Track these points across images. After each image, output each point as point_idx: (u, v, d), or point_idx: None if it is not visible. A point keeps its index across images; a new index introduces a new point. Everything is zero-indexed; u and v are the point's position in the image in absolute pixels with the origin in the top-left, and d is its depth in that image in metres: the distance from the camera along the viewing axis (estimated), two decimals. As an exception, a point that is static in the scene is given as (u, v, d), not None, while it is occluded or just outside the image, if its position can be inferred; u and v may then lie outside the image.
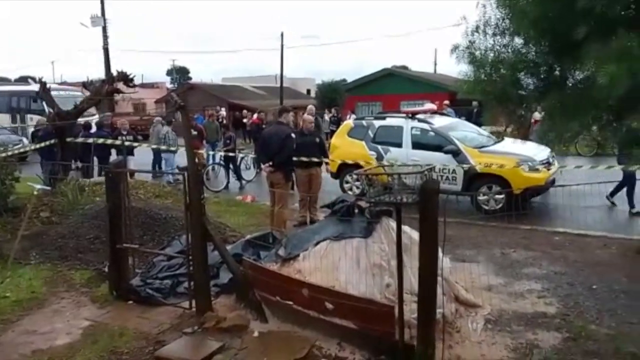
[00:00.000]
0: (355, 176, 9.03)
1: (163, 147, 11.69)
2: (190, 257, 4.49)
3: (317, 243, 4.35)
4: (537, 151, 8.73)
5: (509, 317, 4.37)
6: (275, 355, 3.77)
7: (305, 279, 4.11)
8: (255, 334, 4.13)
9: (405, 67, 31.39)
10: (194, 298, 4.51)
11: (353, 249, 4.12)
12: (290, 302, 4.04)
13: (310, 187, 7.53)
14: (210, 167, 12.84)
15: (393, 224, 3.89)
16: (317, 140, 7.91)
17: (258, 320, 4.28)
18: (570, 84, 4.18)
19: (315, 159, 7.60)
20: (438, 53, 45.29)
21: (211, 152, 13.07)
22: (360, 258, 4.08)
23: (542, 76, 4.30)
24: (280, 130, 7.06)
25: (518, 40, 4.10)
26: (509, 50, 4.21)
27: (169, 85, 47.05)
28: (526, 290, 5.00)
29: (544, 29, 3.61)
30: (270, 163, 6.87)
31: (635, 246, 6.06)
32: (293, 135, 7.09)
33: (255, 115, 18.58)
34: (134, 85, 8.58)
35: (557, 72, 4.26)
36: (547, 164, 8.59)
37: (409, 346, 3.46)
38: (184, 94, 24.65)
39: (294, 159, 7.17)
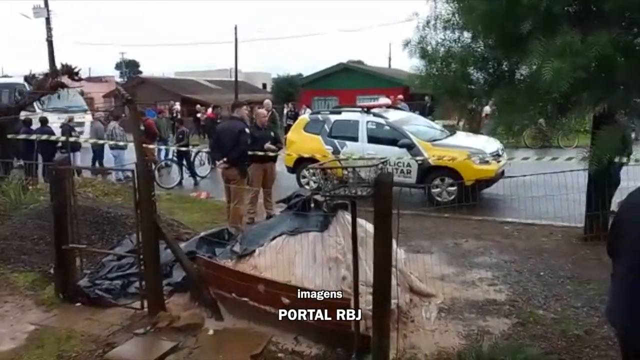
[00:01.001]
0: (312, 170, 9.04)
1: (111, 143, 11.29)
2: (141, 256, 4.35)
3: (273, 238, 4.32)
4: (488, 144, 9.00)
5: (461, 305, 4.48)
6: (231, 352, 3.72)
7: (261, 274, 4.07)
8: (210, 332, 4.06)
9: (360, 62, 31.53)
10: (145, 298, 4.38)
11: (309, 243, 4.11)
12: (246, 299, 3.99)
13: (264, 182, 7.47)
14: (162, 164, 12.53)
15: (349, 218, 3.90)
16: (272, 134, 7.84)
17: (213, 318, 4.21)
18: (517, 79, 4.33)
19: (271, 154, 7.55)
20: (392, 48, 45.94)
21: (162, 147, 12.74)
22: (317, 252, 4.08)
23: (490, 70, 4.44)
24: (234, 125, 6.95)
25: (467, 35, 4.22)
26: (459, 45, 4.32)
27: (119, 79, 45.51)
28: (477, 278, 5.15)
29: (491, 24, 3.71)
30: (225, 159, 6.75)
31: (579, 233, 6.36)
32: (247, 130, 7.00)
33: (209, 110, 18.25)
34: (80, 79, 8.23)
35: (505, 67, 4.40)
36: (497, 156, 8.87)
37: (364, 337, 3.48)
38: (133, 88, 23.93)
39: (249, 153, 7.08)
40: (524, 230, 6.88)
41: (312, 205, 4.43)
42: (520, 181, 6.13)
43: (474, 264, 5.60)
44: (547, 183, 6.16)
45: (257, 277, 4.00)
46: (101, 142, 11.78)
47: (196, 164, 12.21)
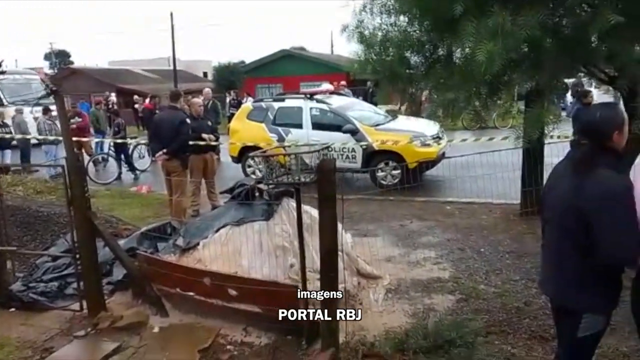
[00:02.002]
0: (257, 159, 8.93)
1: (40, 138, 10.65)
2: (78, 256, 4.13)
3: (218, 230, 4.23)
4: (428, 127, 9.22)
5: (408, 285, 4.58)
6: (178, 348, 3.63)
7: (206, 267, 3.98)
8: (156, 329, 3.94)
9: (303, 49, 31.33)
10: (84, 299, 4.18)
11: (255, 232, 4.05)
12: (192, 293, 3.90)
13: (205, 173, 7.29)
14: (99, 158, 11.98)
15: (294, 205, 3.88)
16: (210, 123, 7.65)
17: (158, 315, 4.08)
18: (453, 61, 4.41)
19: (213, 143, 7.38)
20: (334, 34, 46.01)
21: (95, 141, 12.15)
22: (263, 241, 4.03)
23: (427, 54, 4.50)
24: (174, 116, 6.71)
25: (403, 19, 4.24)
26: (396, 29, 4.34)
27: (48, 71, 42.91)
28: (422, 258, 5.28)
29: (425, 8, 3.75)
30: (165, 150, 6.53)
31: (515, 209, 6.65)
32: (188, 120, 6.79)
33: (147, 101, 17.59)
34: (3, 72, 7.67)
35: (440, 50, 4.48)
36: (437, 138, 9.11)
37: (314, 323, 3.49)
38: (64, 79, 22.63)
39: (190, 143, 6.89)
40: (464, 209, 7.12)
41: (257, 194, 4.37)
42: (460, 162, 6.32)
43: (419, 244, 5.74)
44: (485, 163, 6.40)
45: (202, 270, 3.91)
46: (29, 137, 11.09)
47: (135, 157, 11.75)
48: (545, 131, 4.14)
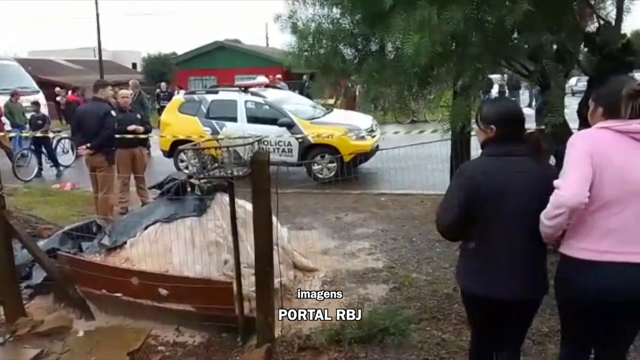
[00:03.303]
0: (190, 153, 8.68)
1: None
2: (-9, 259, 3.81)
3: (146, 227, 4.04)
4: (362, 120, 9.37)
5: (343, 276, 4.62)
6: (105, 351, 3.45)
7: (134, 267, 3.81)
8: (81, 333, 3.73)
9: (237, 41, 30.79)
10: (1, 305, 3.88)
11: (186, 229, 3.92)
12: (119, 294, 3.71)
13: (134, 168, 6.98)
14: (19, 154, 11.16)
15: (228, 199, 3.78)
16: (138, 116, 7.33)
17: (83, 318, 3.86)
18: (384, 54, 4.47)
19: (142, 136, 7.07)
20: (269, 27, 45.56)
21: (10, 135, 11.29)
22: (195, 237, 3.90)
23: (359, 47, 4.53)
24: (98, 108, 6.36)
25: (336, 11, 4.24)
26: (329, 21, 4.33)
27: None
28: (357, 249, 5.35)
29: (356, 0, 3.76)
30: (88, 145, 6.17)
31: (445, 200, 6.90)
32: (113, 112, 6.45)
33: (70, 92, 16.60)
34: None
35: (372, 43, 4.52)
36: (371, 131, 9.28)
37: (249, 319, 3.44)
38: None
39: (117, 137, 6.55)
40: (397, 200, 7.30)
41: (189, 189, 4.22)
42: (393, 154, 6.48)
43: (354, 236, 5.81)
44: (416, 155, 6.60)
45: (129, 269, 3.73)
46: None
47: (59, 152, 11.07)
48: (472, 124, 4.29)
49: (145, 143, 7.24)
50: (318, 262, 4.83)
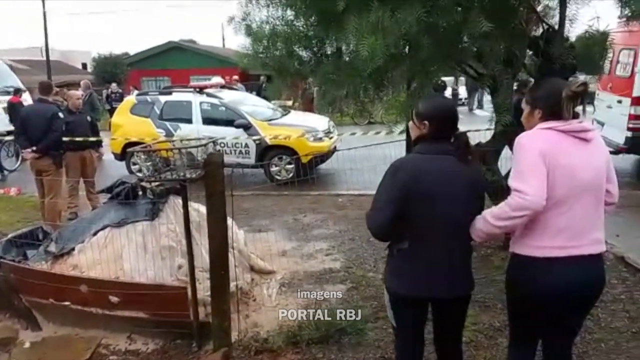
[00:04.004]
0: (142, 155, 8.45)
1: None
2: None
3: (96, 233, 3.91)
4: (319, 122, 9.40)
5: (301, 277, 4.62)
6: (53, 364, 3.31)
7: (82, 274, 3.67)
8: (27, 344, 3.57)
9: (192, 41, 30.28)
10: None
11: (138, 234, 3.81)
12: (67, 303, 3.56)
13: (83, 172, 6.73)
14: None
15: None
16: (89, 118, 7.08)
17: (29, 329, 3.69)
18: (340, 57, 4.49)
19: (93, 139, 6.83)
20: (225, 28, 44.99)
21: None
22: (147, 242, 3.80)
23: (314, 49, 4.53)
24: (45, 109, 6.10)
25: (290, 13, 4.22)
26: (283, 23, 4.30)
27: None
28: (316, 250, 5.35)
29: (310, 2, 3.76)
30: (34, 148, 5.90)
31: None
32: (61, 114, 6.20)
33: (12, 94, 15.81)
34: None
35: (327, 45, 4.54)
36: (329, 133, 9.32)
37: (205, 324, 3.38)
38: None
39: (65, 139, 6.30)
40: (355, 200, 7.36)
41: (140, 192, 4.11)
42: (350, 155, 6.51)
43: (312, 237, 5.81)
44: (373, 156, 6.68)
45: (77, 277, 3.59)
46: None
47: (3, 156, 10.54)
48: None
49: (95, 146, 6.99)
50: (276, 264, 4.80)
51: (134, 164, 9.00)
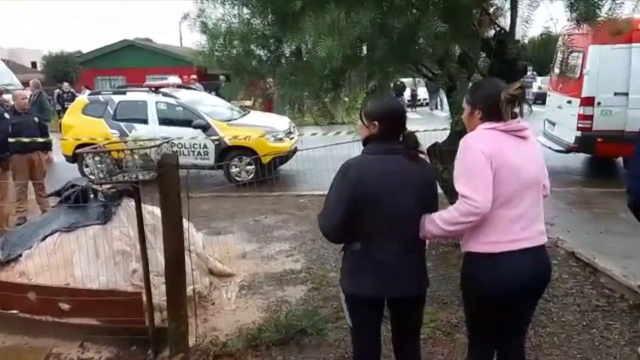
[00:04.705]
0: (96, 157, 8.16)
1: None
2: None
3: (44, 238, 3.74)
4: (280, 122, 9.34)
5: (261, 279, 4.57)
6: (-2, 377, 3.14)
7: (30, 281, 3.50)
8: (-29, 357, 3.36)
9: (149, 40, 29.54)
10: None
11: (89, 238, 3.67)
12: (15, 311, 3.39)
13: (32, 175, 6.44)
14: None
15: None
16: (36, 119, 6.78)
17: (-27, 341, 3.49)
18: (299, 57, 4.46)
19: (42, 140, 6.55)
20: (182, 26, 44.14)
21: None
22: (99, 247, 3.66)
23: (272, 48, 4.48)
24: (-13, 110, 5.80)
25: (246, 11, 4.16)
26: (239, 21, 4.24)
27: None
28: (276, 251, 5.32)
29: (266, 0, 3.72)
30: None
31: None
32: (7, 115, 5.91)
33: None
34: None
35: (285, 45, 4.50)
36: (289, 133, 9.28)
37: (161, 329, 3.29)
38: None
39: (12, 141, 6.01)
40: (316, 201, 7.33)
41: (92, 195, 3.96)
42: (311, 155, 6.51)
43: (273, 238, 5.77)
44: (334, 156, 6.68)
45: (25, 284, 3.43)
46: None
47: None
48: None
49: (44, 147, 6.70)
50: (235, 267, 4.73)
51: (86, 166, 8.68)
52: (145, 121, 8.85)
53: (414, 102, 22.27)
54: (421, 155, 2.38)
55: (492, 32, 4.43)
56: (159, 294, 3.40)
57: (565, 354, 3.25)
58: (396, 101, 2.59)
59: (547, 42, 4.63)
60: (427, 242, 2.43)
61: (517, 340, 2.46)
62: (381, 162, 2.24)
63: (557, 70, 9.21)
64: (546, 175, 2.35)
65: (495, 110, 2.19)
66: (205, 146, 8.70)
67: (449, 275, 4.24)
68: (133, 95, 9.22)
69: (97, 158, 3.20)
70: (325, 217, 2.30)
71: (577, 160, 9.59)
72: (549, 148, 9.04)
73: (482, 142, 2.16)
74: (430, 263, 4.64)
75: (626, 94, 7.86)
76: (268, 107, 13.51)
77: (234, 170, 8.80)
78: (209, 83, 18.07)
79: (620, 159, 8.83)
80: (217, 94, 13.77)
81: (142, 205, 3.35)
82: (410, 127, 2.40)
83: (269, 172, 7.71)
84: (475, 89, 2.39)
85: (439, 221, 2.20)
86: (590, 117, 8.04)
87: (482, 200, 2.07)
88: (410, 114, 20.57)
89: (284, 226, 6.23)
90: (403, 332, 2.52)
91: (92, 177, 7.88)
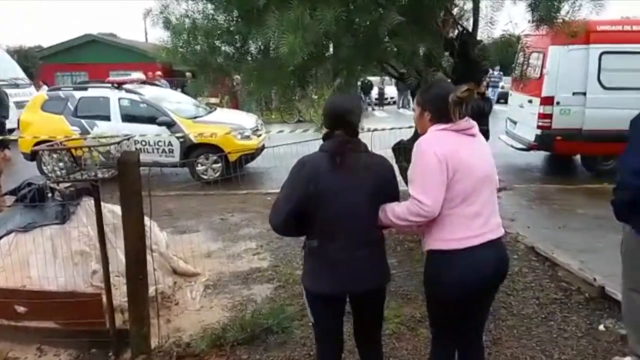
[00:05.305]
0: (55, 155, 7.91)
1: None
2: None
3: (0, 238, 3.59)
4: (247, 119, 9.27)
5: (227, 278, 4.52)
6: (-52, 385, 3.00)
7: (-17, 283, 3.36)
8: None
9: (113, 35, 28.74)
10: None
11: (47, 238, 3.55)
12: (-34, 316, 3.25)
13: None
14: None
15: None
16: None
17: None
18: (266, 53, 4.43)
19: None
20: (148, 22, 43.16)
21: None
22: (58, 248, 3.55)
23: (237, 45, 4.44)
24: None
25: (211, 7, 4.11)
26: (204, 17, 4.19)
27: None
28: (243, 250, 5.27)
29: (229, -4, 3.68)
30: None
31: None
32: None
33: None
34: None
35: (251, 41, 4.46)
36: (256, 130, 9.21)
37: (122, 331, 3.21)
38: None
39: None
40: (283, 199, 7.32)
41: (49, 194, 3.83)
42: (278, 153, 6.47)
43: (240, 237, 5.72)
44: (302, 153, 6.66)
45: (-23, 287, 3.29)
46: None
47: None
48: None
49: (3, 144, 6.44)
50: (201, 266, 4.67)
51: (46, 164, 8.40)
52: (107, 118, 8.62)
53: (382, 100, 22.48)
54: (377, 153, 2.40)
55: (455, 33, 4.52)
56: (120, 294, 3.33)
57: (524, 346, 3.34)
58: (342, 99, 2.53)
59: (510, 43, 4.74)
60: (384, 235, 2.45)
61: (477, 334, 2.52)
62: (335, 160, 2.25)
63: (518, 71, 9.52)
64: (495, 170, 2.42)
65: (444, 112, 2.24)
66: (170, 144, 8.55)
67: (413, 271, 4.30)
68: (95, 92, 8.96)
69: (55, 155, 3.10)
70: (274, 212, 2.33)
71: (538, 157, 9.88)
72: (511, 146, 9.30)
73: (435, 144, 2.20)
74: (395, 259, 4.72)
75: (584, 94, 8.14)
76: (235, 104, 13.46)
77: (200, 168, 8.67)
78: (175, 80, 17.76)
79: (578, 157, 9.16)
80: (183, 91, 13.55)
81: (102, 204, 3.26)
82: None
83: (235, 170, 7.65)
84: (424, 91, 2.43)
85: (390, 213, 2.26)
86: (549, 116, 8.29)
87: (431, 204, 2.13)
88: (377, 113, 20.85)
89: (251, 224, 6.19)
90: (363, 327, 2.54)
91: (51, 175, 7.67)
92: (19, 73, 13.75)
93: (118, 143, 3.05)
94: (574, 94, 8.17)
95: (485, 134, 7.32)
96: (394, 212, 2.25)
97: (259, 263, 4.91)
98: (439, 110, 2.25)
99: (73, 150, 3.09)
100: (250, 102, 4.69)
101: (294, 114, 15.46)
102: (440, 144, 2.19)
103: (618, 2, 4.15)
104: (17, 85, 11.54)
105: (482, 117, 7.09)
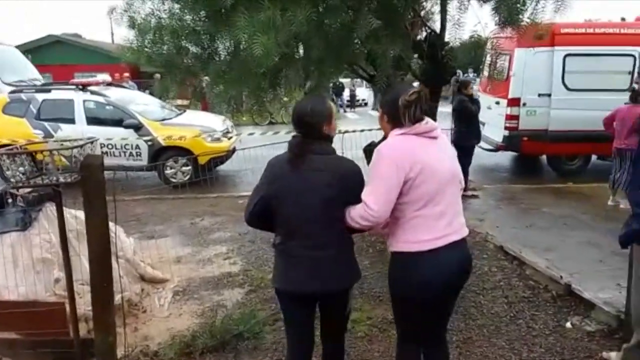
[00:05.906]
0: (17, 159, 7.61)
1: None
2: None
3: (-45, 247, 3.42)
4: (218, 122, 9.15)
5: (197, 284, 4.44)
6: None
7: (-63, 294, 3.19)
8: None
9: (77, 35, 27.99)
10: None
11: (7, 246, 3.39)
12: None
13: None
14: None
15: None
16: None
17: None
18: (232, 54, 4.37)
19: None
20: (113, 22, 42.25)
21: None
22: (18, 255, 3.40)
23: (205, 45, 4.36)
24: None
25: (177, 6, 4.03)
26: (170, 16, 4.10)
27: None
28: (213, 255, 5.19)
29: (196, -4, 3.61)
30: None
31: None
32: None
33: None
34: None
35: (218, 42, 4.39)
36: (227, 133, 9.10)
37: (87, 341, 3.09)
38: None
39: None
40: (255, 202, 7.25)
41: (10, 200, 3.67)
42: (249, 155, 6.41)
43: (210, 241, 5.63)
44: (272, 155, 6.64)
45: None
46: None
47: None
48: None
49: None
50: (170, 272, 4.57)
51: (6, 169, 8.08)
52: (72, 121, 8.37)
53: (353, 102, 22.59)
54: (348, 154, 2.39)
55: (424, 35, 4.56)
56: (85, 303, 3.21)
57: (494, 345, 3.38)
58: (304, 101, 2.52)
59: (479, 45, 4.81)
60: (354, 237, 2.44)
61: (442, 333, 2.54)
62: (299, 160, 2.27)
63: (486, 73, 9.69)
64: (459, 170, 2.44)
65: (396, 115, 2.25)
66: (137, 147, 8.36)
67: (385, 273, 4.28)
68: (58, 94, 8.68)
69: (17, 159, 2.97)
70: (246, 209, 2.44)
71: (505, 158, 10.08)
72: (480, 147, 9.46)
73: (395, 150, 2.21)
74: (367, 261, 4.72)
75: (549, 95, 8.34)
76: (205, 106, 13.26)
77: (169, 171, 8.51)
78: (143, 81, 17.40)
79: (544, 157, 9.39)
80: (151, 93, 13.30)
81: (65, 209, 3.14)
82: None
83: (205, 173, 7.53)
84: (384, 94, 2.44)
85: (347, 215, 2.27)
86: (516, 117, 8.47)
87: (377, 210, 2.15)
88: (349, 114, 20.96)
89: (222, 228, 6.10)
90: (327, 328, 2.55)
91: (12, 180, 7.38)
92: (36, 75, 13.16)
93: (81, 146, 2.94)
94: (539, 95, 8.36)
95: (478, 134, 7.50)
96: (349, 214, 2.26)
97: (230, 267, 4.84)
98: (392, 113, 2.27)
99: (34, 154, 2.96)
100: (220, 103, 4.62)
101: (265, 116, 15.41)
102: (400, 150, 2.20)
103: (581, 6, 4.25)
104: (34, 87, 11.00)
105: (472, 118, 7.22)
